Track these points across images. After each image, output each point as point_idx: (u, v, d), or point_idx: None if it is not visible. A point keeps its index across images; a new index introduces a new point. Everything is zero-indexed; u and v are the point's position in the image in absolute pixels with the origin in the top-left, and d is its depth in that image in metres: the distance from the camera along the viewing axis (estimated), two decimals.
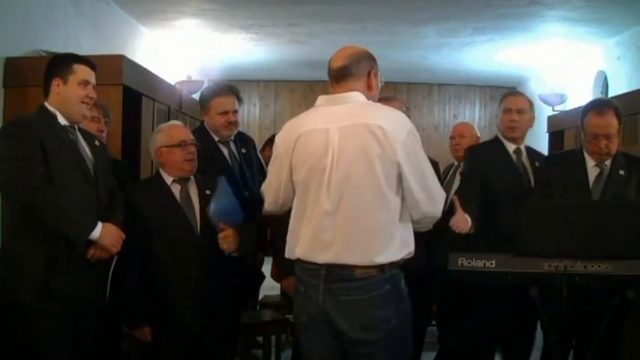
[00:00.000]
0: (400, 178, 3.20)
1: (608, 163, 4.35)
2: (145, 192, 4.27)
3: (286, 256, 3.42)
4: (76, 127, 3.82)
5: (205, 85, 9.64)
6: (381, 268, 3.20)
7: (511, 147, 4.84)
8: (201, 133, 4.68)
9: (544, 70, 10.59)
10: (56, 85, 3.72)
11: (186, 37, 8.75)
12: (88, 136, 3.91)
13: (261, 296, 6.79)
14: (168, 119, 6.62)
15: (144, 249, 4.08)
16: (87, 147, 3.83)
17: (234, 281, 4.39)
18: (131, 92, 5.64)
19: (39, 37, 5.58)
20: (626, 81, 7.89)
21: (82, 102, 3.75)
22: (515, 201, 4.51)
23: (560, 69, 10.04)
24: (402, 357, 3.36)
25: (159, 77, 6.72)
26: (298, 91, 12.51)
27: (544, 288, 3.97)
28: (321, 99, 3.42)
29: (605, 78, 8.85)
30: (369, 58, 3.38)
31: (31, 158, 3.51)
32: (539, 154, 5.03)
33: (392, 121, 3.22)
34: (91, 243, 3.62)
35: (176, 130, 4.32)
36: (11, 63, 5.25)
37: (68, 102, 3.72)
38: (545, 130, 9.19)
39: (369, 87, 3.37)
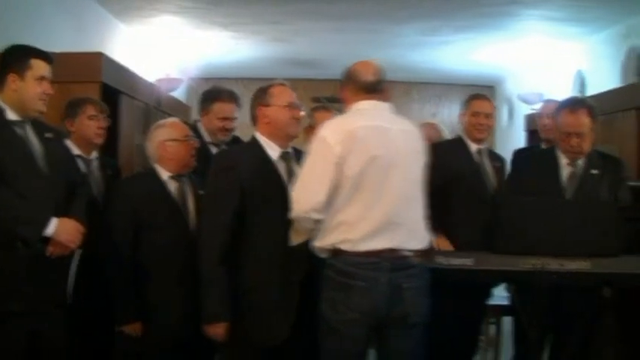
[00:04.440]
0: None
1: (581, 162, 4.39)
2: (139, 186, 4.24)
3: (324, 244, 3.56)
4: (28, 120, 3.72)
5: (184, 82, 9.62)
6: (425, 256, 3.66)
7: (474, 147, 4.99)
8: (193, 132, 4.67)
9: (523, 68, 10.62)
10: (12, 80, 3.64)
11: (166, 34, 8.71)
12: (42, 129, 3.81)
13: None
14: (147, 117, 6.60)
15: (134, 244, 4.07)
16: (38, 141, 3.73)
17: None
18: (109, 90, 5.62)
19: (16, 34, 5.51)
20: (604, 80, 7.92)
21: (40, 99, 3.67)
22: (477, 200, 4.63)
23: (539, 68, 10.08)
24: (424, 339, 3.67)
25: (137, 75, 6.69)
26: None
27: (522, 286, 4.01)
28: (364, 103, 3.69)
29: (584, 77, 8.88)
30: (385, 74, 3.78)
31: None
32: (499, 156, 5.24)
33: (419, 131, 3.84)
34: (49, 240, 3.57)
35: (181, 125, 4.35)
36: None
37: (24, 99, 3.65)
38: (523, 128, 9.23)
39: (386, 99, 3.77)
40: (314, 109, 5.34)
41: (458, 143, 5.03)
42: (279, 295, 3.72)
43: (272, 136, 3.89)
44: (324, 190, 3.46)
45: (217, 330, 3.74)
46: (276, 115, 3.87)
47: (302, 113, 3.96)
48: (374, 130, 3.54)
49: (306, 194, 3.51)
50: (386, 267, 3.45)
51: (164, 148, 4.23)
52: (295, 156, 3.96)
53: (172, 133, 4.26)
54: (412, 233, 3.57)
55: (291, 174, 3.84)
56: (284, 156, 3.88)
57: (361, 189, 3.47)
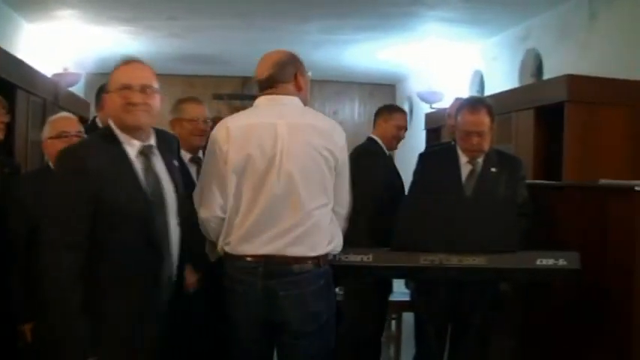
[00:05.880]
0: (334, 177, 3.44)
1: (480, 160, 4.45)
2: (32, 185, 4.09)
3: (220, 245, 3.42)
4: None
5: (82, 77, 9.45)
6: (317, 262, 3.35)
7: (387, 151, 5.27)
8: (93, 129, 4.58)
9: (423, 68, 10.78)
10: None
11: (64, 28, 8.53)
12: None
13: None
14: (44, 113, 6.45)
15: (28, 244, 3.93)
16: None
17: None
18: (4, 84, 5.48)
19: None
20: (501, 80, 8.10)
21: None
22: (394, 200, 4.72)
23: (439, 68, 10.24)
24: (327, 347, 3.48)
25: (35, 69, 6.54)
26: (178, 85, 12.21)
27: (421, 282, 4.05)
28: (261, 99, 3.50)
29: (482, 77, 9.07)
30: (293, 62, 3.58)
31: None
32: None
33: (333, 126, 3.50)
34: None
35: (59, 121, 4.21)
36: None
37: None
38: (423, 127, 9.36)
39: (299, 88, 3.56)
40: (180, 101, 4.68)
41: (378, 147, 5.19)
42: (139, 328, 3.02)
43: (120, 128, 3.09)
44: (222, 187, 3.37)
45: None
46: (110, 101, 3.12)
47: (136, 98, 3.03)
48: (252, 127, 3.35)
49: (208, 195, 3.40)
50: (260, 273, 3.30)
51: (46, 147, 4.16)
52: None
53: (48, 130, 4.16)
54: (297, 239, 3.30)
55: (152, 175, 3.13)
56: (144, 151, 3.12)
57: (242, 189, 3.32)
